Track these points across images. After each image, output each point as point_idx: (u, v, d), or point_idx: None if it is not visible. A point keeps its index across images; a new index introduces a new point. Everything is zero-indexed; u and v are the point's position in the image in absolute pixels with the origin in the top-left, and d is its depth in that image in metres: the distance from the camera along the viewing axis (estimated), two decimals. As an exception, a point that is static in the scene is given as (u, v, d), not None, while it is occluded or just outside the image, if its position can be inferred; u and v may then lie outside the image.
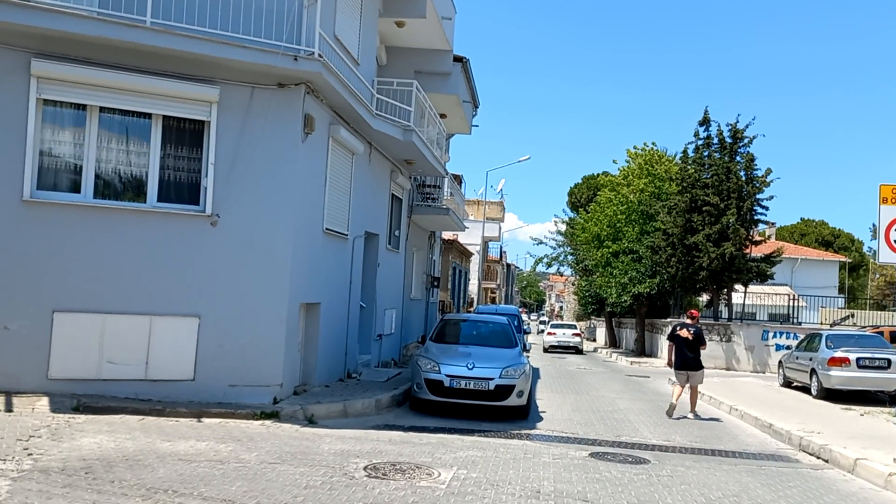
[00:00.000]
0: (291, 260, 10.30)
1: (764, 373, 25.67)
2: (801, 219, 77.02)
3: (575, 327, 39.10)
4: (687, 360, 13.15)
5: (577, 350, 35.58)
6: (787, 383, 18.74)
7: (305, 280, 11.06)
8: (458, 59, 18.92)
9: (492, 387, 11.32)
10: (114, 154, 9.66)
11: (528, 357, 12.61)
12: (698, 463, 9.12)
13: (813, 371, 16.63)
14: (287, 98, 10.23)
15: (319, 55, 9.96)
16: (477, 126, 23.55)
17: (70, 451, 7.00)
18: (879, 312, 39.41)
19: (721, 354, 26.76)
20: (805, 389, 17.40)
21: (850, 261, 60.90)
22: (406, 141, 14.22)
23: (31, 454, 6.79)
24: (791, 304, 29.54)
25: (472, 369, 11.42)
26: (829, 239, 68.87)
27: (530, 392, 12.04)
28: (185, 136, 9.96)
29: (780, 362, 19.76)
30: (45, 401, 8.87)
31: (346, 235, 13.14)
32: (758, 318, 32.07)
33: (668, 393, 17.41)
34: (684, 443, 10.79)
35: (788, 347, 26.04)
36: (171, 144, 9.90)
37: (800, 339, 26.25)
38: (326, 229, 11.89)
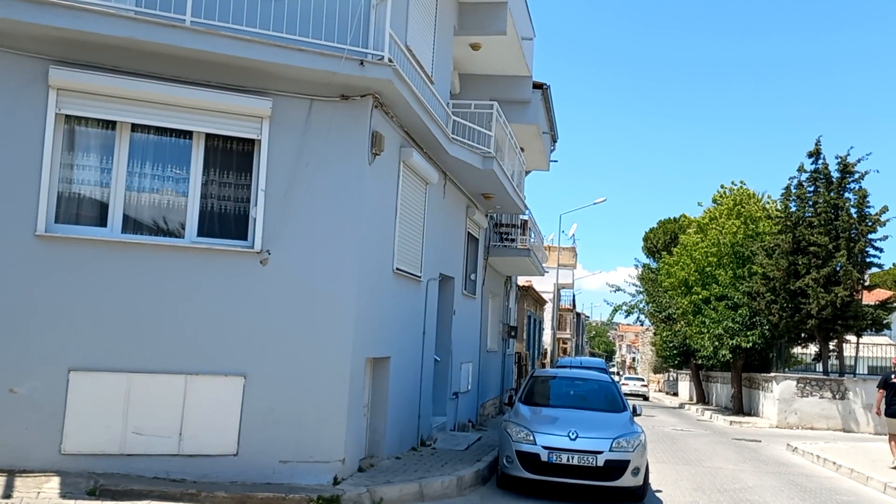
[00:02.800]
0: (356, 305, 8.50)
1: (886, 435, 22.50)
2: (895, 264, 72.03)
3: (643, 380, 51.81)
4: None
5: (644, 397, 43.98)
6: (936, 451, 15.79)
7: (373, 330, 9.23)
8: (537, 85, 17.20)
9: (601, 462, 9.15)
10: (147, 180, 8.09)
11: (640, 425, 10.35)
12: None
13: (977, 439, 13.76)
14: (351, 112, 8.57)
15: (390, 60, 8.29)
16: (556, 161, 21.69)
17: (63, 562, 5.22)
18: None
19: (836, 414, 23.69)
20: (962, 460, 14.50)
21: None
22: (485, 170, 12.43)
23: (9, 567, 5.03)
24: (912, 356, 26.16)
25: (574, 440, 9.29)
26: (933, 285, 63.56)
27: (647, 468, 9.78)
28: (231, 158, 8.36)
29: (924, 425, 16.76)
30: (54, 482, 7.16)
31: (419, 278, 11.31)
32: (858, 371, 28.67)
33: (793, 463, 14.90)
34: (854, 540, 8.38)
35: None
36: (215, 168, 8.30)
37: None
38: (397, 269, 10.09)
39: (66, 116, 7.73)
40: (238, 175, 8.36)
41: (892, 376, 13.52)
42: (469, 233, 15.09)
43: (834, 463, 14.00)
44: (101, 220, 7.89)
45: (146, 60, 7.78)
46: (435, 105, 10.82)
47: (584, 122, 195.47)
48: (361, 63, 8.08)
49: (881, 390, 13.54)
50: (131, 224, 8.00)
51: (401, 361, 10.52)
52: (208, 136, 8.20)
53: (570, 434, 9.33)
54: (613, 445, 9.27)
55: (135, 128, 7.99)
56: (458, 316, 14.08)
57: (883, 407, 13.48)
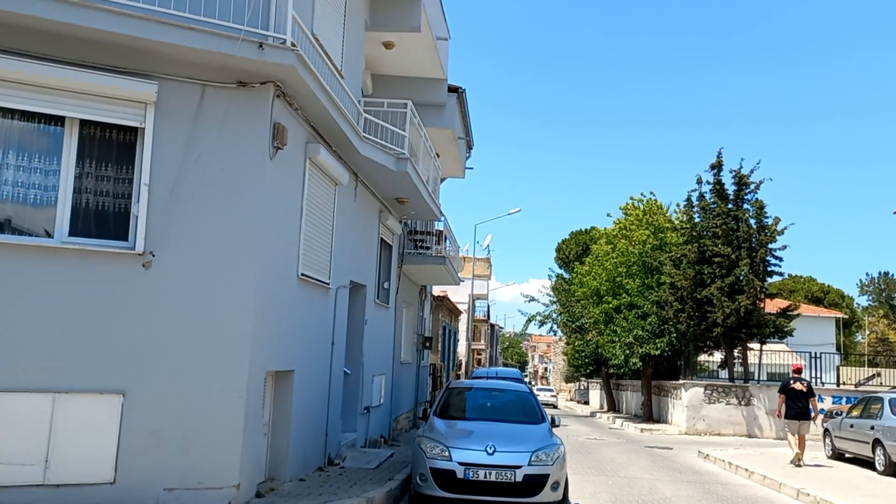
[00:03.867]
0: (254, 314, 7.71)
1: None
2: (789, 275, 75.57)
3: (552, 389, 57.95)
4: (801, 410, 14.61)
5: (554, 406, 46.64)
6: (838, 455, 16.16)
7: (274, 341, 8.44)
8: (452, 89, 16.77)
9: (519, 477, 8.65)
10: (10, 172, 7.08)
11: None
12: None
13: (877, 442, 14.08)
14: (250, 101, 7.81)
15: (293, 44, 7.59)
16: (471, 168, 21.33)
17: None
18: (859, 368, 36.89)
19: (741, 420, 24.24)
20: (863, 462, 14.84)
21: (845, 317, 59.08)
22: (399, 172, 11.82)
23: None
24: (813, 363, 27.02)
25: (492, 454, 8.76)
26: (818, 295, 67.07)
27: (566, 482, 9.35)
28: (110, 148, 7.44)
29: (825, 430, 17.16)
30: None
31: (328, 285, 10.57)
32: (756, 378, 29.57)
33: (706, 470, 14.88)
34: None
35: (820, 411, 23.71)
36: (92, 159, 7.36)
37: (825, 401, 24.23)
38: (302, 275, 9.32)
39: None
40: (118, 168, 7.45)
41: (791, 382, 14.97)
42: (382, 239, 14.43)
43: (746, 470, 14.03)
44: (-47, 217, 6.85)
45: (11, 35, 6.83)
46: (345, 100, 10.15)
47: (496, 131, 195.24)
48: (261, 46, 7.34)
49: (781, 395, 15.04)
50: (-10, 221, 6.98)
51: (306, 375, 9.75)
52: (83, 123, 7.28)
53: (488, 448, 8.80)
54: (532, 459, 8.80)
55: (-5, 111, 6.99)
56: (370, 326, 13.37)
57: (784, 410, 14.92)
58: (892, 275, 77.67)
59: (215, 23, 7.29)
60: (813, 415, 14.76)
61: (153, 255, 7.31)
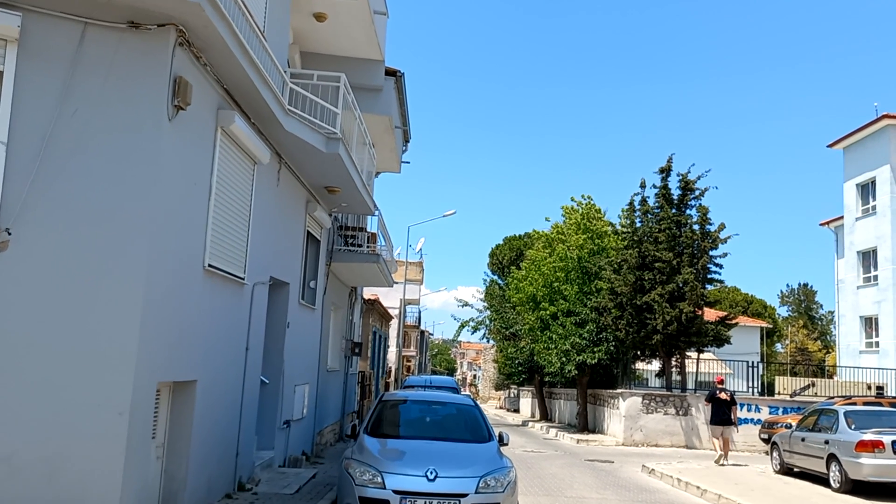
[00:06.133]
0: (143, 311, 6.20)
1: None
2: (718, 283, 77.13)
3: (469, 396, 60.25)
4: (724, 417, 16.95)
5: None
6: (786, 469, 15.48)
7: (170, 345, 6.92)
8: (390, 72, 15.43)
9: (465, 508, 7.37)
10: None
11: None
12: None
13: (832, 457, 13.39)
14: (144, 47, 6.32)
15: (200, -22, 6.14)
16: (408, 163, 20.01)
17: None
18: (793, 378, 37.41)
19: (679, 430, 23.62)
20: (814, 478, 14.18)
21: (769, 326, 60.40)
22: (330, 154, 10.40)
23: None
24: (749, 372, 26.72)
25: (433, 480, 7.46)
26: (743, 305, 68.50)
27: (518, 511, 8.12)
28: (-44, 94, 5.85)
29: (773, 444, 16.49)
30: None
31: (243, 280, 9.06)
32: (688, 387, 29.21)
33: (654, 488, 14.01)
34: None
35: (756, 422, 23.33)
36: (-70, 108, 5.76)
37: (762, 412, 23.88)
38: (209, 267, 7.81)
39: None
40: (-33, 120, 5.85)
41: (717, 392, 17.33)
42: (309, 232, 12.94)
43: (697, 487, 13.15)
44: None
45: None
46: (267, 64, 8.68)
47: (432, 130, 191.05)
48: (157, -25, 5.87)
49: (708, 403, 17.60)
50: None
51: (213, 386, 8.22)
52: (-82, 60, 5.66)
53: (428, 473, 7.51)
54: (480, 485, 7.54)
55: None
56: (292, 329, 11.88)
57: (710, 416, 17.51)
58: (811, 286, 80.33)
59: (99, -58, 5.80)
60: (734, 420, 17.18)
61: (10, 234, 5.74)
